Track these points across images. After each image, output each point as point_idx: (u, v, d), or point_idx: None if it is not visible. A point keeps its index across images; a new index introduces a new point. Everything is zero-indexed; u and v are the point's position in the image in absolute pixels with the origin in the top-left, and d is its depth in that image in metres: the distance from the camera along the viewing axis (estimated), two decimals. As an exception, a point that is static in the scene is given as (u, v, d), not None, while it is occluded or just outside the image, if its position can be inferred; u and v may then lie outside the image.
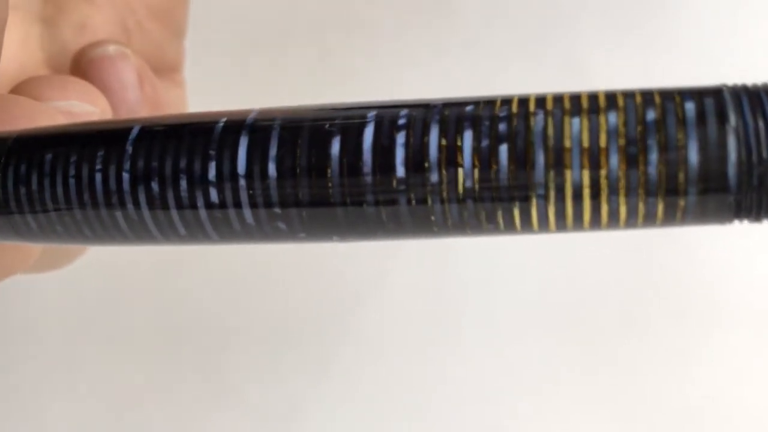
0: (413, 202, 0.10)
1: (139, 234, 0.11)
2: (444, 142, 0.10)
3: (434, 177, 0.10)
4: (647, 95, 0.10)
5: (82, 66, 0.18)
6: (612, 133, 0.10)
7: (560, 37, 0.28)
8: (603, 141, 0.10)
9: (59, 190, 0.11)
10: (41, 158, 0.11)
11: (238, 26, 0.28)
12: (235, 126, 0.10)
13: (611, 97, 0.10)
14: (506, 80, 0.27)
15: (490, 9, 0.28)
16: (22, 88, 0.15)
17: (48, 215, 0.11)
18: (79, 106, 0.15)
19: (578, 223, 0.10)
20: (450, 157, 0.10)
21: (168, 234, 0.11)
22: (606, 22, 0.28)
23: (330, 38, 0.28)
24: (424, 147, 0.10)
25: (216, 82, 0.26)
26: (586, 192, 0.10)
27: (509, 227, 0.10)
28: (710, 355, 0.26)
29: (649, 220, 0.10)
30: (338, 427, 0.26)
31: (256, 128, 0.10)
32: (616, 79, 0.27)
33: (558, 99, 0.10)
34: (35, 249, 0.15)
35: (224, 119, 0.11)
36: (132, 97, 0.18)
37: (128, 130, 0.11)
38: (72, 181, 0.11)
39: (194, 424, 0.26)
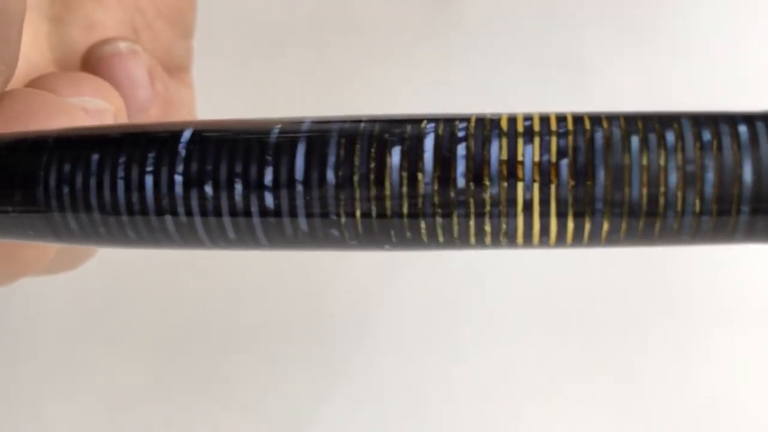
0: (472, 214, 0.10)
1: (186, 239, 0.11)
2: (505, 155, 0.10)
3: (494, 190, 0.10)
4: (701, 117, 0.10)
5: (92, 63, 0.17)
6: (671, 153, 0.10)
7: (560, 37, 0.28)
8: (662, 160, 0.10)
9: (106, 191, 0.11)
10: (87, 158, 0.11)
11: (239, 27, 0.28)
12: (291, 132, 0.10)
13: (666, 117, 0.10)
14: (506, 80, 0.27)
15: (491, 9, 0.28)
16: (36, 85, 0.15)
17: (91, 216, 0.11)
18: (93, 102, 0.15)
19: (631, 239, 0.10)
20: (510, 170, 0.10)
21: (217, 239, 0.11)
22: (606, 21, 0.28)
23: (330, 38, 0.28)
24: (484, 160, 0.10)
25: (216, 83, 0.26)
26: (643, 210, 0.10)
27: (561, 241, 0.10)
28: (710, 355, 0.26)
29: (699, 236, 0.10)
30: (339, 428, 0.26)
31: (313, 135, 0.10)
32: (616, 79, 0.27)
33: (614, 117, 0.10)
34: (50, 249, 0.15)
35: (279, 125, 0.11)
36: (143, 95, 0.17)
37: (179, 132, 0.11)
38: (120, 182, 0.11)
39: (194, 424, 0.26)
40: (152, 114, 0.18)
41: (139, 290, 0.27)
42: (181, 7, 0.20)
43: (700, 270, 0.26)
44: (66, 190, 0.11)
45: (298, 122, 0.11)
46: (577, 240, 0.10)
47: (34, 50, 0.18)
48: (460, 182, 0.10)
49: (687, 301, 0.26)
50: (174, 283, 0.27)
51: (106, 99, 0.16)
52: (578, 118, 0.10)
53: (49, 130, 0.12)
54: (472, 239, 0.10)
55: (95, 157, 0.11)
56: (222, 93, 0.26)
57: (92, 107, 0.15)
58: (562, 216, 0.10)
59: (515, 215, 0.10)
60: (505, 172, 0.10)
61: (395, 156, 0.10)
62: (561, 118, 0.10)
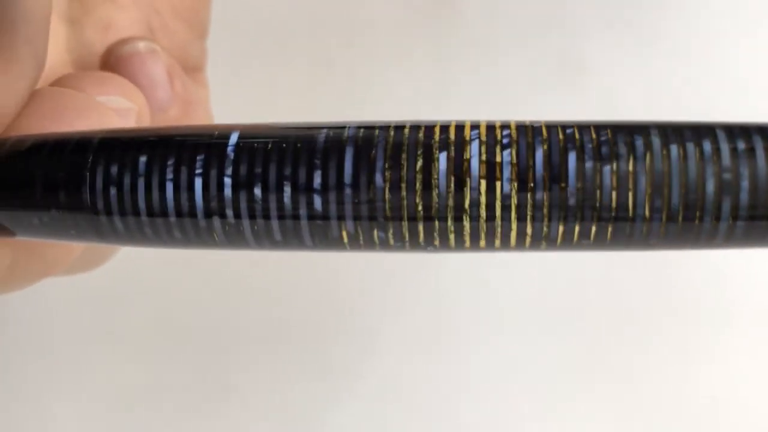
0: (517, 218, 0.10)
1: (232, 240, 0.11)
2: (547, 161, 0.10)
3: (539, 195, 0.10)
4: (735, 128, 0.10)
5: (112, 63, 0.17)
6: (708, 160, 0.10)
7: (560, 37, 0.28)
8: (700, 168, 0.10)
9: (154, 193, 0.11)
10: (135, 160, 0.11)
11: (239, 27, 0.28)
12: (338, 136, 0.11)
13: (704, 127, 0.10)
14: (506, 80, 0.27)
15: (491, 9, 0.28)
16: (60, 84, 0.15)
17: (138, 218, 0.11)
18: (118, 101, 0.15)
19: (672, 243, 0.11)
20: (554, 176, 0.10)
21: (263, 241, 0.11)
22: (606, 23, 0.28)
23: (332, 39, 0.28)
24: (529, 166, 0.10)
25: (218, 83, 0.26)
26: (681, 215, 0.10)
27: (598, 243, 0.11)
28: (710, 355, 0.26)
29: (733, 241, 0.10)
30: (338, 427, 0.26)
31: (361, 140, 0.11)
32: (616, 79, 0.27)
33: (653, 127, 0.10)
34: (76, 249, 0.15)
35: (325, 129, 0.11)
36: (163, 95, 0.17)
37: (226, 135, 0.11)
38: (169, 184, 0.11)
39: (194, 424, 0.26)
40: (171, 114, 0.18)
41: (140, 291, 0.27)
42: (196, 8, 0.20)
43: (700, 270, 0.26)
44: (113, 191, 0.11)
45: (343, 126, 0.11)
46: (599, 243, 0.11)
47: (51, 52, 0.18)
48: (506, 187, 0.10)
49: (687, 300, 0.26)
50: (175, 283, 0.27)
51: (130, 98, 0.16)
52: (618, 127, 0.11)
53: (92, 131, 0.12)
54: (513, 242, 0.11)
55: (143, 158, 0.11)
56: (224, 93, 0.26)
57: (117, 106, 0.15)
58: (603, 221, 0.10)
59: (560, 219, 0.10)
60: (548, 177, 0.10)
61: (442, 161, 0.10)
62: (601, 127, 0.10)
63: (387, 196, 0.10)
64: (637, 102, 0.27)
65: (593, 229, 0.10)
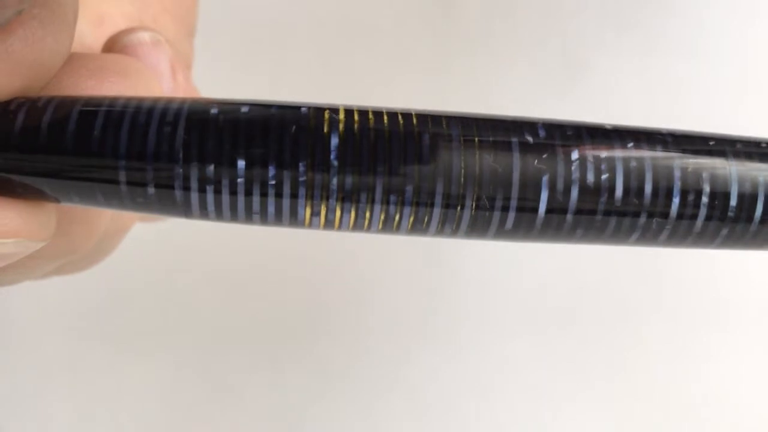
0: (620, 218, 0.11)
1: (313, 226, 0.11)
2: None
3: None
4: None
5: (116, 52, 0.17)
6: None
7: (560, 37, 0.28)
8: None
9: (254, 198, 0.11)
10: (233, 164, 0.11)
11: (239, 27, 0.28)
12: (442, 139, 0.11)
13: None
14: (506, 80, 0.27)
15: (491, 9, 0.28)
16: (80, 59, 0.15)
17: (231, 197, 0.11)
18: (145, 36, 0.15)
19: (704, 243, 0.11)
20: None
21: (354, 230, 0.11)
22: (606, 22, 0.28)
23: (331, 38, 0.28)
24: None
25: (216, 83, 0.26)
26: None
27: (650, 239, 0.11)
28: (706, 354, 0.26)
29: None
30: (337, 427, 0.26)
31: (464, 145, 0.11)
32: (616, 79, 0.27)
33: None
34: (98, 231, 0.15)
35: (428, 134, 0.11)
36: (166, 86, 0.17)
37: (327, 138, 0.11)
38: (271, 201, 0.11)
39: (194, 424, 0.26)
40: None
41: (138, 291, 0.27)
42: (185, 6, 0.20)
43: (697, 269, 0.26)
44: (210, 189, 0.11)
45: (447, 130, 0.11)
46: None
47: None
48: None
49: (683, 300, 0.26)
50: (173, 283, 0.27)
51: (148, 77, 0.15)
52: (648, 134, 0.11)
53: (172, 99, 0.11)
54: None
55: (242, 164, 0.11)
56: (224, 93, 0.26)
57: (149, 42, 0.14)
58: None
59: (631, 214, 0.11)
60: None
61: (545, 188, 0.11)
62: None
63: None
64: (637, 102, 0.27)
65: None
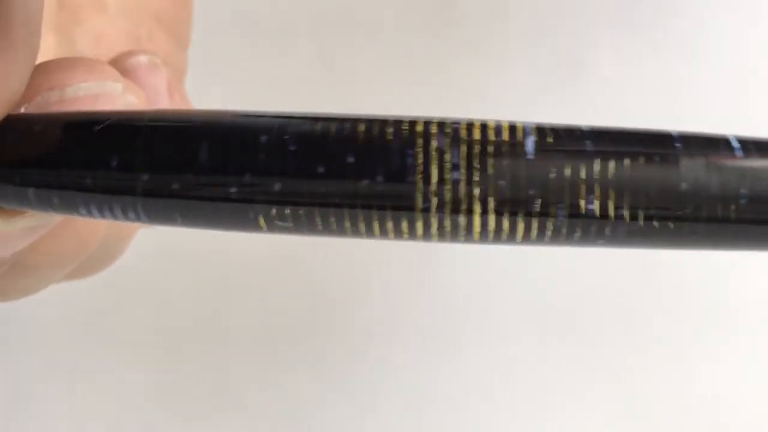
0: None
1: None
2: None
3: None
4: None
5: None
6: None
7: (560, 37, 0.28)
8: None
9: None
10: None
11: (238, 27, 0.28)
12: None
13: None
14: (506, 80, 0.27)
15: (491, 9, 0.28)
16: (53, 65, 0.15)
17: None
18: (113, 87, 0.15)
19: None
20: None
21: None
22: (606, 22, 0.28)
23: (330, 39, 0.28)
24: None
25: (216, 82, 0.26)
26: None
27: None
28: (708, 355, 0.26)
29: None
30: (337, 427, 0.26)
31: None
32: (616, 79, 0.27)
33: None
34: (101, 229, 0.15)
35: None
36: (163, 107, 0.18)
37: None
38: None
39: (194, 425, 0.26)
40: None
41: (138, 291, 0.27)
42: (179, 19, 0.21)
43: (698, 270, 0.26)
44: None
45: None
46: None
47: (41, 60, 0.18)
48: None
49: (685, 301, 0.26)
50: (173, 284, 0.27)
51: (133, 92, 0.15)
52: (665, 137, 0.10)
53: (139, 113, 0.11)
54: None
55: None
56: (223, 93, 0.26)
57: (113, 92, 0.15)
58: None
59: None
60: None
61: None
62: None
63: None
64: (637, 102, 0.27)
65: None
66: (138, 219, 0.11)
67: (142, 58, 0.17)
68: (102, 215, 0.11)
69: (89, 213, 0.11)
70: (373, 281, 0.27)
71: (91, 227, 0.15)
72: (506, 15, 0.28)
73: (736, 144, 0.11)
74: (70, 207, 0.11)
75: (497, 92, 0.27)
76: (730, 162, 0.10)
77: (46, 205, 0.11)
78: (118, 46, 0.19)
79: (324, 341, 0.26)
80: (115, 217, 0.11)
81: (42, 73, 0.13)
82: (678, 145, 0.10)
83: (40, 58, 0.17)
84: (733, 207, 0.10)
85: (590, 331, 0.26)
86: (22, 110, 0.13)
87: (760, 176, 0.10)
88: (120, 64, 0.17)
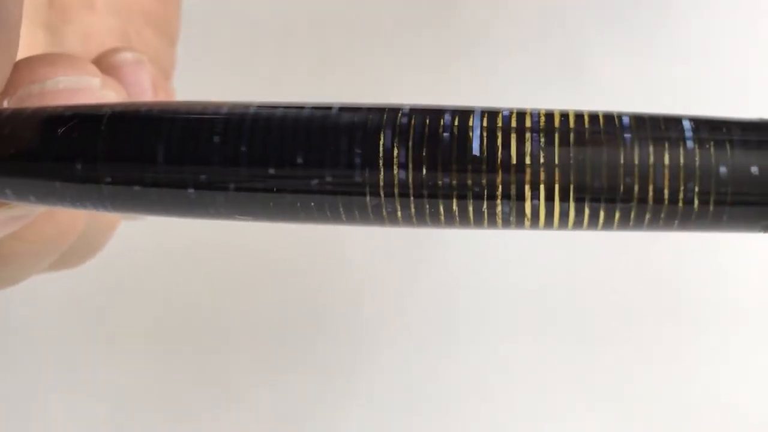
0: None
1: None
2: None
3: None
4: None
5: (101, 71, 0.18)
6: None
7: (560, 37, 0.28)
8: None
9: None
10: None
11: (238, 27, 0.28)
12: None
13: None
14: (506, 81, 0.27)
15: (491, 9, 0.28)
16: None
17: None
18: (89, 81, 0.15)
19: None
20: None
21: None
22: (606, 22, 0.28)
23: (331, 38, 0.28)
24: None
25: (216, 83, 0.26)
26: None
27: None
28: (707, 354, 0.26)
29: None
30: (338, 427, 0.26)
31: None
32: (616, 79, 0.27)
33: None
34: (82, 218, 0.15)
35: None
36: None
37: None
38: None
39: (194, 425, 0.26)
40: None
41: (137, 291, 0.27)
42: (168, 17, 0.21)
43: (698, 268, 0.26)
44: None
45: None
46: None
47: None
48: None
49: (684, 299, 0.26)
50: (173, 283, 0.27)
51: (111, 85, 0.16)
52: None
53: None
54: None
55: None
56: (223, 93, 0.26)
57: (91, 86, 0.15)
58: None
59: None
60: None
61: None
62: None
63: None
64: (637, 102, 0.27)
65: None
66: (107, 211, 0.12)
67: (128, 55, 0.18)
68: (77, 208, 0.12)
69: (71, 206, 0.12)
70: (372, 281, 0.27)
71: (71, 216, 0.15)
72: (506, 15, 0.28)
73: None
74: (47, 202, 0.12)
75: (497, 92, 0.27)
76: None
77: (25, 200, 0.12)
78: (106, 44, 0.19)
79: (323, 341, 0.26)
80: (87, 209, 0.12)
81: (25, 67, 0.13)
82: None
83: (31, 54, 0.17)
84: None
85: (590, 331, 0.26)
86: (5, 104, 0.13)
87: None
88: (105, 61, 0.18)
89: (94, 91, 0.14)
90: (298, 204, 0.11)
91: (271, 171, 0.11)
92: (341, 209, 0.11)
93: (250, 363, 0.26)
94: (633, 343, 0.26)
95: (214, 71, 0.27)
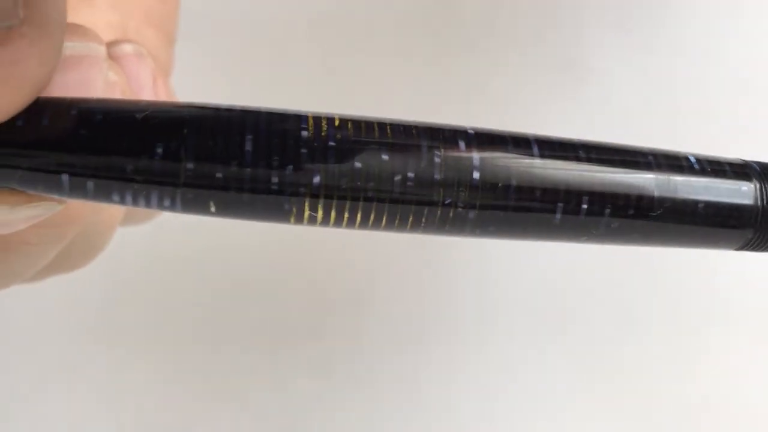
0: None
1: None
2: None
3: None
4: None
5: None
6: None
7: (560, 37, 0.28)
8: None
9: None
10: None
11: (238, 27, 0.28)
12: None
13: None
14: (506, 81, 0.27)
15: (491, 10, 0.28)
16: None
17: None
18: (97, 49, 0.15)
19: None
20: None
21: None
22: (606, 23, 0.28)
23: (330, 39, 0.28)
24: None
25: (216, 82, 0.26)
26: None
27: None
28: (707, 354, 0.26)
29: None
30: (337, 427, 0.26)
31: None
32: (616, 79, 0.27)
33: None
34: (79, 219, 0.15)
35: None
36: (146, 97, 0.18)
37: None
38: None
39: (194, 424, 0.26)
40: None
41: (138, 291, 0.27)
42: (166, 15, 0.21)
43: (697, 269, 0.26)
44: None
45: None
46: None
47: None
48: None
49: (684, 300, 0.26)
50: (173, 283, 0.27)
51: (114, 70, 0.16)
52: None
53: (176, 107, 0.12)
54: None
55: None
56: (223, 93, 0.26)
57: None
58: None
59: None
60: None
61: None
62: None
63: None
64: (636, 103, 0.27)
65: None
66: (173, 208, 0.11)
67: (128, 47, 0.17)
68: (136, 203, 0.11)
69: (122, 200, 0.11)
70: (374, 282, 0.27)
71: (77, 204, 0.15)
72: (506, 16, 0.28)
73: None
74: (105, 194, 0.11)
75: (497, 92, 0.27)
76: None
77: (80, 191, 0.11)
78: (106, 39, 0.19)
79: (325, 342, 0.26)
80: (149, 204, 0.11)
81: None
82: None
83: None
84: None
85: (590, 331, 0.26)
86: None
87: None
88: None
89: (99, 60, 0.14)
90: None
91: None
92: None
93: (250, 363, 0.26)
94: (633, 344, 0.26)
95: (214, 71, 0.27)
